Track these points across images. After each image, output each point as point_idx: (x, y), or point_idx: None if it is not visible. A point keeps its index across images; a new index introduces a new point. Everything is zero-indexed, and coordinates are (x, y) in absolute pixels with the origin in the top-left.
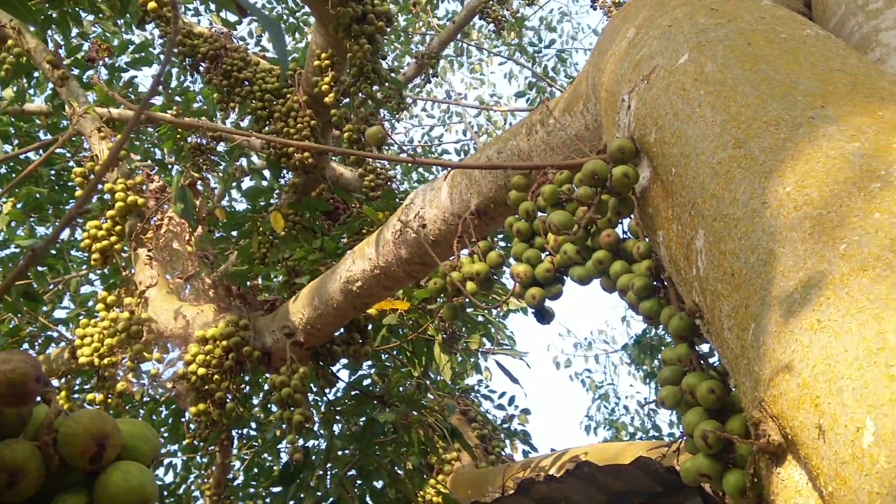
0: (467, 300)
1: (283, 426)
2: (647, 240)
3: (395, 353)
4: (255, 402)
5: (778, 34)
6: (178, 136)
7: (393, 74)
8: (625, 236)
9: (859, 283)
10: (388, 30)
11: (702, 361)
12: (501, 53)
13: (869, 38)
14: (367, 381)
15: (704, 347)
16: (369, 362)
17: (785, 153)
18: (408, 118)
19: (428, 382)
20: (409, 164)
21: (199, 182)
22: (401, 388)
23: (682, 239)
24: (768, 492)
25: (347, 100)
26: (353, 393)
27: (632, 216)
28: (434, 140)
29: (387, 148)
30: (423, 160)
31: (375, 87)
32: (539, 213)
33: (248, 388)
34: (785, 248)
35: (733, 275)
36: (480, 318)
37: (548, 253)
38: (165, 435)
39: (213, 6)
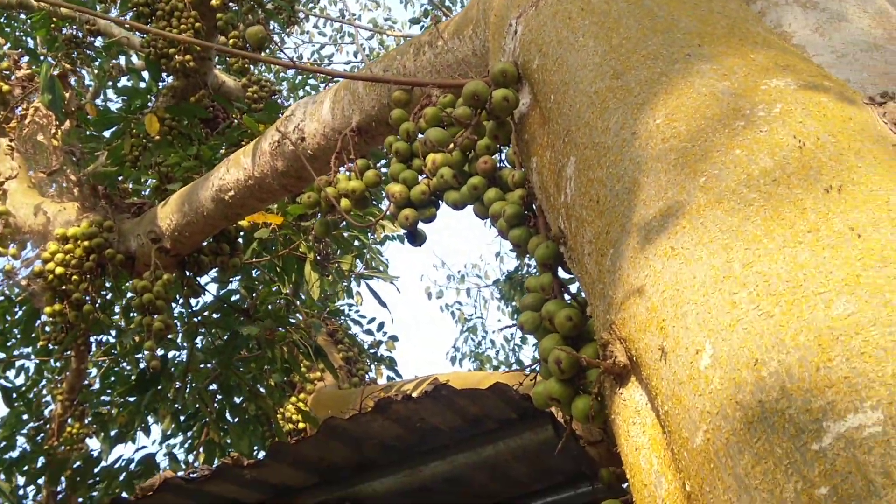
0: (341, 218)
1: (143, 333)
2: (522, 169)
3: (265, 268)
4: (117, 309)
5: None
6: (53, 25)
7: None
8: (502, 164)
9: (714, 215)
10: None
11: (564, 291)
12: None
13: None
14: (235, 297)
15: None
16: (238, 276)
17: (659, 87)
18: (298, 34)
19: (297, 303)
20: (297, 80)
21: (70, 75)
22: (269, 306)
23: (555, 166)
24: (610, 411)
25: (235, 6)
26: (222, 306)
27: (510, 144)
28: (324, 59)
29: (272, 54)
30: (306, 66)
31: None
32: (420, 136)
33: (109, 293)
34: (649, 177)
35: (598, 202)
36: (357, 243)
37: (425, 176)
38: (18, 336)
39: None
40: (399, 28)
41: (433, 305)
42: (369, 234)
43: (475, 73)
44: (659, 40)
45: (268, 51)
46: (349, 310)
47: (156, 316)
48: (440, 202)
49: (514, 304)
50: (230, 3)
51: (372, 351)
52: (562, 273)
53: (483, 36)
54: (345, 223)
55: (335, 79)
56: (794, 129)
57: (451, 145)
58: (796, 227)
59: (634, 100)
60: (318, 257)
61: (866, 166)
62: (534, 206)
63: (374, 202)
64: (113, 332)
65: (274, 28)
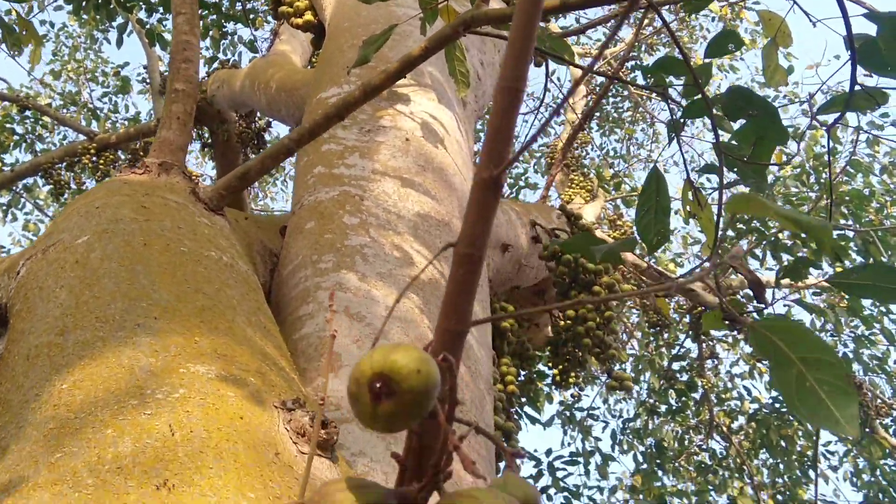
0: None
1: None
2: None
3: None
4: None
5: (180, 246)
6: None
7: None
8: None
9: (41, 497)
10: None
11: None
12: None
13: (310, 291)
14: None
15: None
16: None
17: (91, 351)
18: None
19: None
20: None
21: None
22: None
23: None
24: None
25: None
26: None
27: None
28: None
29: None
30: None
31: None
32: None
33: None
34: (20, 444)
35: None
36: None
37: None
38: None
39: None
40: None
41: None
42: None
43: None
44: (122, 305)
45: None
46: None
47: None
48: None
49: None
50: None
51: None
52: None
53: None
54: None
55: None
56: (176, 418)
57: None
58: None
59: (61, 361)
60: None
61: (218, 468)
62: None
63: None
64: None
65: None
